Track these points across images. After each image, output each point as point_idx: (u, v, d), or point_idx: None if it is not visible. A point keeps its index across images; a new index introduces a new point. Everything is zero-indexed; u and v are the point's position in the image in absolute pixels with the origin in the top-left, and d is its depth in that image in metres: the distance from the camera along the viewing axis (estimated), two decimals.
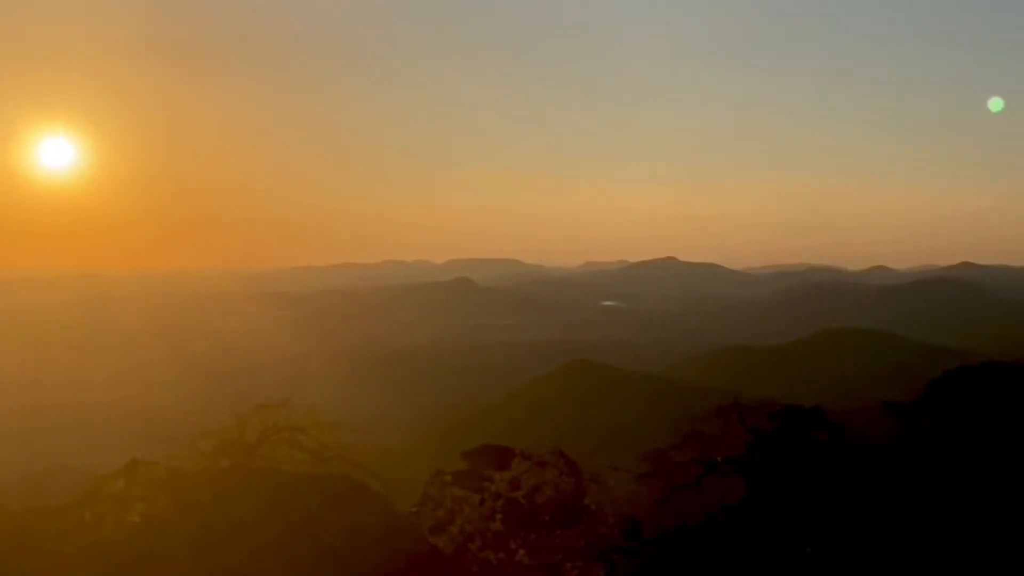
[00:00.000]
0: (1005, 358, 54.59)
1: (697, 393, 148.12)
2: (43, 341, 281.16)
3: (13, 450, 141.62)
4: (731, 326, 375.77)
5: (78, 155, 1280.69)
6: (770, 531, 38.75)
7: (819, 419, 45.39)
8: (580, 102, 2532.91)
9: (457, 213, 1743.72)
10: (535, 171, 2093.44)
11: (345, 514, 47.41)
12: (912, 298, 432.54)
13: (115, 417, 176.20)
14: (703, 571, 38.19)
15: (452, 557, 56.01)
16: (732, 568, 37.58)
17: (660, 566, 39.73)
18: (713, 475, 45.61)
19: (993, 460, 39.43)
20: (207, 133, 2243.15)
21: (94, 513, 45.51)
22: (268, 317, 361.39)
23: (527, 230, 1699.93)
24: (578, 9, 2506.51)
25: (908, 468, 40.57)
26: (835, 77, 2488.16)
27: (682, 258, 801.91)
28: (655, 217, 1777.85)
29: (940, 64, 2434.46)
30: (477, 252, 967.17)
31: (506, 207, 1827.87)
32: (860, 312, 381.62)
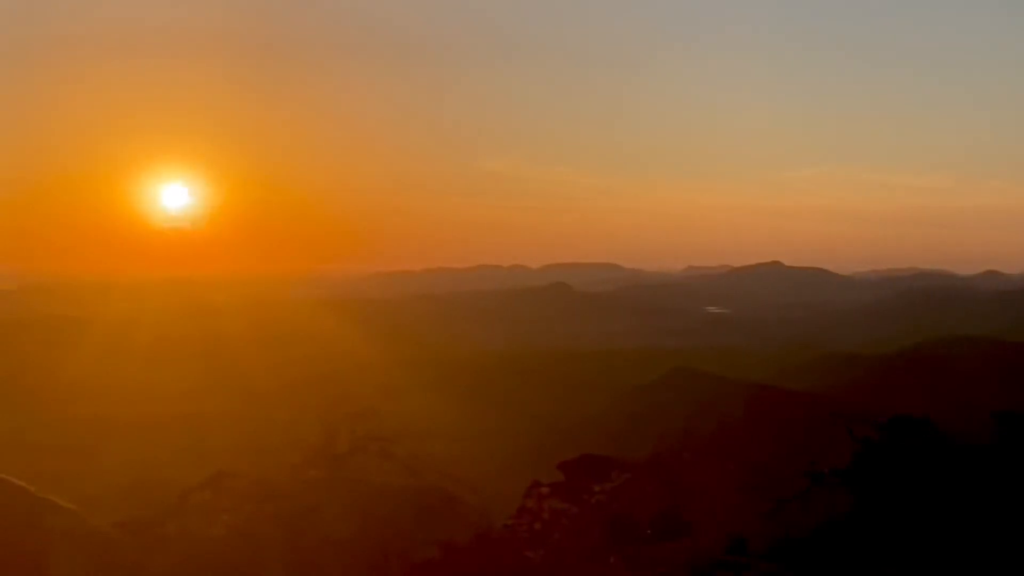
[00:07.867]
0: None
1: (803, 402, 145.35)
2: (138, 347, 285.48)
3: (101, 463, 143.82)
4: (838, 333, 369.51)
5: (184, 164, 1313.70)
6: (878, 547, 37.11)
7: (928, 429, 43.65)
8: (678, 102, 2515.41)
9: (554, 216, 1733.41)
10: (633, 173, 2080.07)
11: (438, 528, 46.61)
12: None
13: (205, 427, 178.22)
14: None
15: (549, 571, 54.88)
16: None
17: None
18: (819, 487, 43.99)
19: None
20: (296, 136, 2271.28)
21: (179, 526, 45.23)
22: (358, 323, 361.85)
23: (626, 233, 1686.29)
24: (675, 4, 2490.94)
25: (1018, 481, 38.59)
26: (943, 67, 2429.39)
27: (787, 262, 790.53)
28: (757, 219, 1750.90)
29: None
30: (574, 256, 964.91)
31: (605, 210, 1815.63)
32: (971, 318, 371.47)
